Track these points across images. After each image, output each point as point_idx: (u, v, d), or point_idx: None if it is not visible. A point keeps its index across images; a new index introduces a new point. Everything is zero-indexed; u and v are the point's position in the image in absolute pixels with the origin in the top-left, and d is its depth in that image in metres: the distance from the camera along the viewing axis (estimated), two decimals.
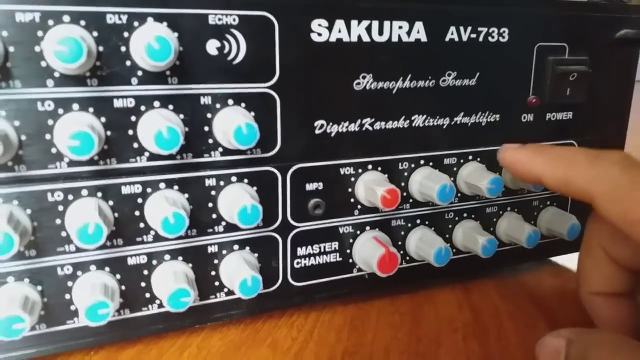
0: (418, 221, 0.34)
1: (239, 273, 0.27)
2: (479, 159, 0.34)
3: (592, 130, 0.38)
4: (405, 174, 0.32)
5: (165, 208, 0.25)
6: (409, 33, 0.30)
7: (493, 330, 0.32)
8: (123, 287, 0.27)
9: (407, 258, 0.34)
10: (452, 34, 0.31)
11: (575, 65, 0.35)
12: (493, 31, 0.32)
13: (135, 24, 0.24)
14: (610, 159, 0.22)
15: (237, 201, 0.26)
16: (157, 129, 0.24)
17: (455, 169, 0.34)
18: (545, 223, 0.37)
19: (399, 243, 0.34)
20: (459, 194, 0.34)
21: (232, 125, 0.25)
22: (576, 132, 0.37)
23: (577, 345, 0.21)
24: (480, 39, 0.32)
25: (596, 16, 0.35)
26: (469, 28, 0.31)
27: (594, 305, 0.25)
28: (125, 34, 0.24)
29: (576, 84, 0.35)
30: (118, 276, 0.27)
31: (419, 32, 0.30)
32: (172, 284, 0.26)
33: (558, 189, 0.24)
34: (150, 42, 0.23)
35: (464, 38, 0.31)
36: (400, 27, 0.30)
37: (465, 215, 0.35)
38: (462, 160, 0.34)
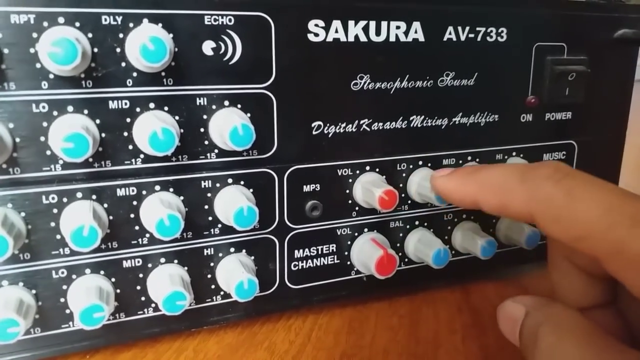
0: (417, 222, 0.34)
1: (235, 276, 0.27)
2: (478, 160, 0.34)
3: (592, 130, 0.37)
4: (404, 175, 0.32)
5: (160, 210, 0.25)
6: (406, 33, 0.30)
7: (492, 332, 0.32)
8: (118, 291, 0.27)
9: (406, 260, 0.34)
10: (450, 33, 0.31)
11: (574, 65, 0.35)
12: (491, 31, 0.32)
13: (131, 25, 0.24)
14: (542, 174, 0.20)
15: (233, 203, 0.26)
16: (152, 130, 0.24)
17: None
18: None
19: (398, 245, 0.33)
20: None
21: (228, 127, 0.25)
22: (575, 132, 0.37)
23: (532, 318, 0.21)
24: (479, 39, 0.32)
25: (594, 16, 0.35)
26: (467, 28, 0.31)
27: None
28: (121, 35, 0.24)
29: (575, 83, 0.35)
30: (113, 279, 0.27)
31: (417, 32, 0.30)
32: (167, 287, 0.26)
33: (498, 213, 0.23)
34: (145, 43, 0.23)
35: (462, 38, 0.31)
36: (397, 27, 0.30)
37: (464, 216, 0.35)
38: (461, 161, 0.33)
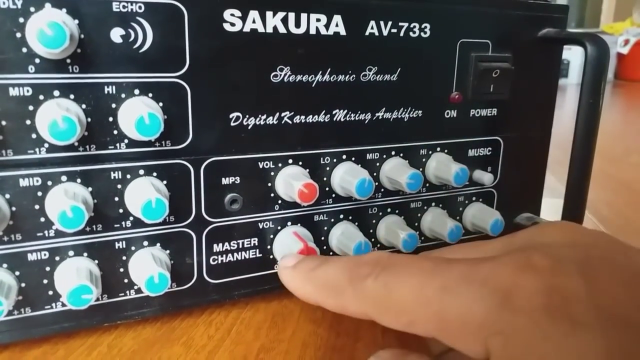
0: (341, 216, 0.34)
1: (145, 270, 0.26)
2: (401, 155, 0.34)
3: (517, 127, 0.38)
4: (328, 168, 0.32)
5: (63, 202, 0.24)
6: (327, 26, 0.30)
7: None
8: (23, 285, 0.26)
9: (331, 253, 0.34)
10: (372, 28, 0.31)
11: (498, 62, 0.35)
12: (414, 26, 0.32)
13: (32, 9, 0.23)
14: (364, 273, 0.21)
15: (141, 195, 0.26)
16: (52, 118, 0.23)
17: (378, 164, 0.33)
18: (471, 218, 0.37)
19: (322, 238, 0.33)
20: (382, 189, 0.34)
21: (135, 116, 0.24)
22: (501, 128, 0.37)
23: None
24: (402, 34, 0.32)
25: (519, 14, 0.36)
26: (390, 23, 0.31)
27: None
28: (21, 20, 0.23)
29: (499, 80, 0.35)
30: (17, 273, 0.26)
31: (338, 25, 0.30)
32: (73, 280, 0.25)
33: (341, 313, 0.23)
34: (43, 28, 0.22)
35: (385, 33, 0.31)
36: (318, 20, 0.29)
37: (389, 210, 0.35)
38: (385, 156, 0.34)
